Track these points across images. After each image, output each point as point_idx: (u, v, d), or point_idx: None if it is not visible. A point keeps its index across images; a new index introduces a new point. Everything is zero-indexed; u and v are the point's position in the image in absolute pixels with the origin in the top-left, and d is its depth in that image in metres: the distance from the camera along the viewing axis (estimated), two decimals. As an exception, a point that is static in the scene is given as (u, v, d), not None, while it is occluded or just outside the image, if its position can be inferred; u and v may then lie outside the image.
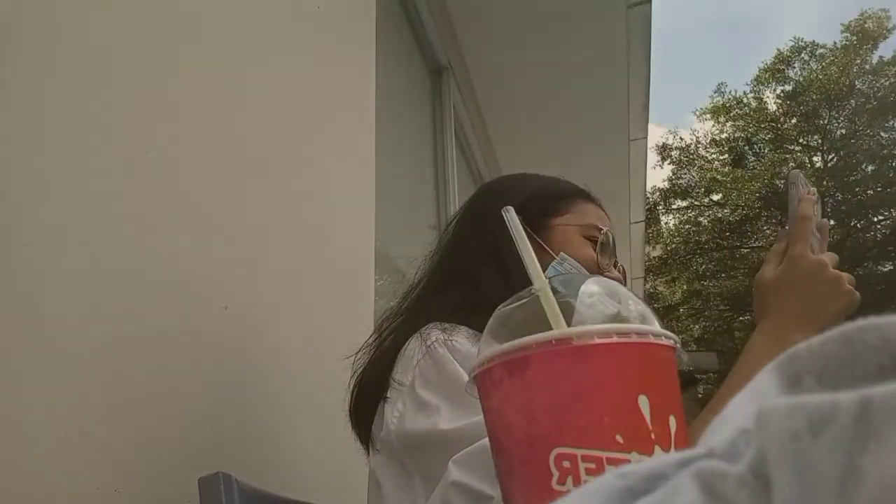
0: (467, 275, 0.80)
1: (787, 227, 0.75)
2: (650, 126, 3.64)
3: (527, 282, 0.72)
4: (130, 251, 0.73)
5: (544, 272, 0.73)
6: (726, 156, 16.73)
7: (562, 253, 0.80)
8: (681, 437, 0.36)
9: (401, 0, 2.34)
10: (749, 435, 0.17)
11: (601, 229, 0.84)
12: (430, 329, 0.72)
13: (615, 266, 0.85)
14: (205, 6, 0.95)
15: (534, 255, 0.42)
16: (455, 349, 0.68)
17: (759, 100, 16.49)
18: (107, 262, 0.69)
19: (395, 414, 0.68)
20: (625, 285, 0.79)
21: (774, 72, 16.18)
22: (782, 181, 15.07)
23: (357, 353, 0.80)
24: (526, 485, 0.36)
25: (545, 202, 0.84)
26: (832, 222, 15.25)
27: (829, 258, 0.73)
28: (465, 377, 0.62)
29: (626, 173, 3.92)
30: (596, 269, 0.81)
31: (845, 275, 0.72)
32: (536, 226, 0.82)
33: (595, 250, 0.82)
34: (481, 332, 0.68)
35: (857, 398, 0.14)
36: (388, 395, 0.71)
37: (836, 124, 15.51)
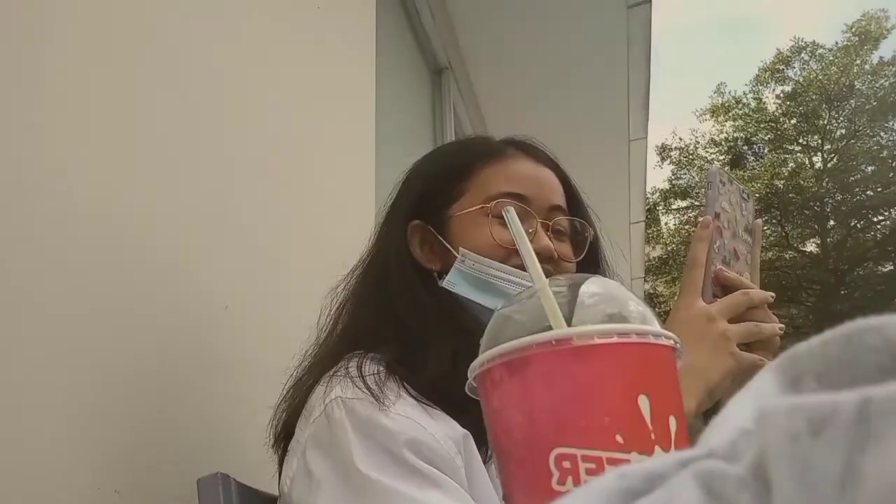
0: (364, 304, 0.71)
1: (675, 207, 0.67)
2: (650, 125, 3.64)
3: (420, 325, 0.64)
4: (130, 251, 0.73)
5: (445, 281, 0.68)
6: (726, 156, 16.73)
7: (461, 249, 0.68)
8: (681, 437, 0.36)
9: (401, 0, 2.34)
10: (749, 435, 0.17)
11: (502, 198, 0.68)
12: (336, 375, 0.62)
13: (549, 236, 0.70)
14: (205, 6, 0.95)
15: (534, 254, 0.42)
16: (354, 413, 0.58)
17: (759, 100, 16.50)
18: (106, 262, 0.69)
19: (289, 475, 0.61)
20: (555, 256, 0.67)
21: (774, 72, 16.19)
22: (782, 181, 15.09)
23: (288, 379, 0.73)
24: (526, 485, 0.36)
25: (438, 193, 0.72)
26: (832, 222, 15.27)
27: (725, 307, 0.62)
28: (355, 454, 0.55)
29: (626, 173, 3.92)
30: (500, 248, 0.67)
31: (740, 328, 0.61)
32: (440, 222, 0.71)
33: (507, 227, 0.69)
34: (393, 366, 0.61)
35: (857, 398, 0.14)
36: (290, 447, 0.63)
37: (836, 124, 15.52)
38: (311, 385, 0.66)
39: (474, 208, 0.70)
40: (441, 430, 0.58)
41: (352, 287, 0.75)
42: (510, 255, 0.67)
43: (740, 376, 0.59)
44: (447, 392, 0.59)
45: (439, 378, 0.60)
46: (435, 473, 0.55)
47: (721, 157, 16.74)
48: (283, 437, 0.69)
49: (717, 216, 0.64)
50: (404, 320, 0.67)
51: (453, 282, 0.68)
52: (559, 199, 0.74)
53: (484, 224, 0.68)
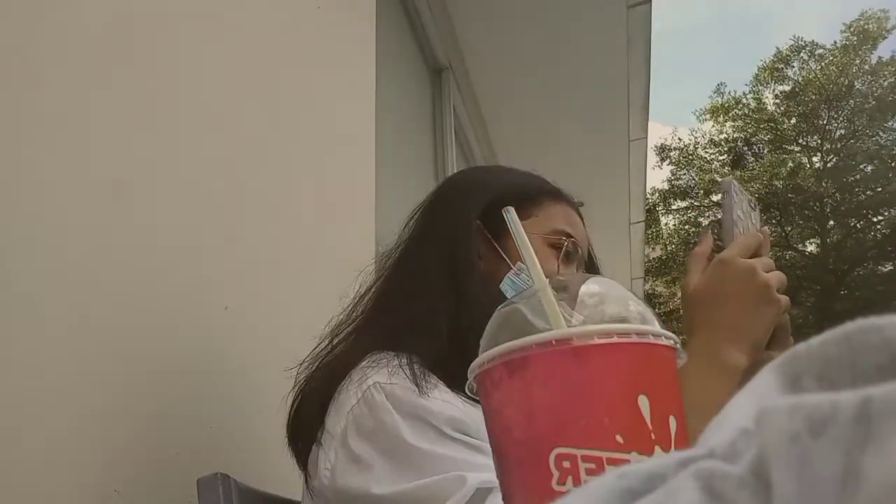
0: (418, 287, 0.71)
1: (708, 229, 0.71)
2: (651, 125, 3.64)
3: (481, 299, 0.65)
4: (130, 251, 0.73)
5: (500, 284, 0.67)
6: (725, 156, 16.73)
7: (518, 263, 0.70)
8: (681, 437, 0.36)
9: (401, 0, 2.34)
10: (749, 435, 0.17)
11: (569, 236, 0.75)
12: (370, 367, 0.63)
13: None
14: (205, 6, 0.95)
15: (534, 254, 0.42)
16: (393, 395, 0.60)
17: (759, 100, 16.50)
18: (107, 263, 0.69)
19: (328, 466, 0.61)
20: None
21: (773, 71, 16.19)
22: (782, 182, 15.09)
23: (301, 364, 0.73)
24: (526, 485, 0.36)
25: (507, 202, 0.76)
26: (832, 222, 15.27)
27: (761, 263, 0.66)
28: (404, 431, 0.57)
29: (626, 173, 3.92)
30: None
31: (775, 276, 0.66)
32: (497, 232, 0.74)
33: (558, 259, 0.74)
34: (430, 358, 0.63)
35: (857, 398, 0.14)
36: (322, 440, 0.63)
37: (836, 124, 15.53)
38: (337, 373, 0.66)
39: (537, 234, 0.74)
40: (476, 413, 0.59)
41: (398, 268, 0.76)
42: None
43: (781, 312, 0.65)
44: None
45: None
46: (481, 444, 0.56)
47: (721, 158, 16.75)
48: (303, 431, 0.68)
49: (734, 224, 0.68)
50: (473, 318, 0.66)
51: (504, 289, 0.70)
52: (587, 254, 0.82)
53: (545, 250, 0.73)
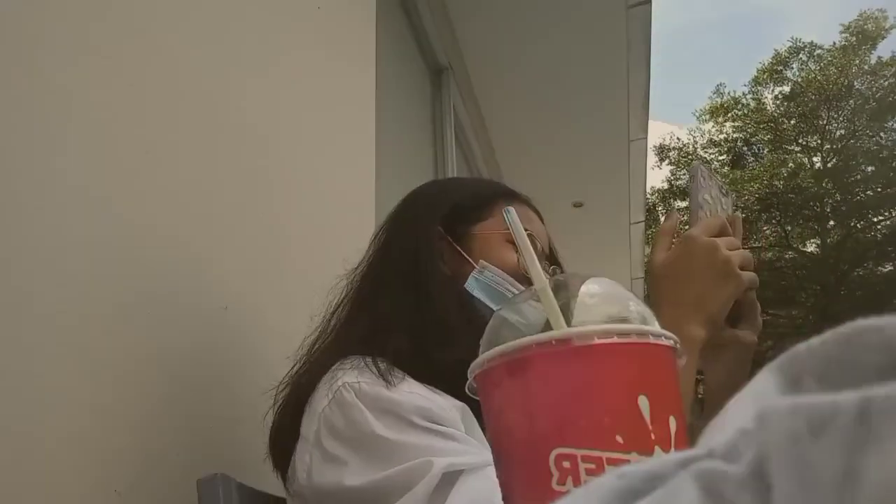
0: (385, 292, 0.75)
1: (675, 208, 0.73)
2: (651, 123, 3.64)
3: (444, 299, 0.71)
4: (130, 251, 0.73)
5: (466, 283, 0.75)
6: (725, 156, 16.73)
7: (481, 261, 0.76)
8: (681, 438, 0.36)
9: (401, 0, 2.34)
10: (749, 435, 0.17)
11: (527, 230, 0.80)
12: (339, 369, 0.67)
13: (548, 271, 0.80)
14: (205, 6, 0.95)
15: (534, 254, 0.42)
16: (362, 392, 0.63)
17: (758, 100, 16.49)
18: (106, 263, 0.69)
19: (304, 468, 0.64)
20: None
21: (773, 72, 16.19)
22: (782, 182, 15.09)
23: (279, 385, 0.75)
24: (526, 485, 0.36)
25: (466, 210, 0.80)
26: (832, 223, 15.27)
27: (724, 241, 0.68)
28: (374, 424, 0.60)
29: (626, 173, 3.92)
30: (520, 274, 0.75)
31: (738, 253, 0.67)
32: (458, 236, 0.79)
33: (518, 253, 0.77)
34: (397, 356, 0.66)
35: (857, 399, 0.14)
36: (297, 445, 0.66)
37: (836, 125, 15.52)
38: (310, 385, 0.68)
39: (497, 231, 0.78)
40: (443, 401, 0.64)
41: (366, 279, 0.80)
42: (523, 278, 0.75)
43: (740, 287, 0.66)
44: (457, 379, 0.62)
45: (457, 366, 0.64)
46: (448, 430, 0.60)
47: (720, 158, 16.74)
48: (281, 441, 0.70)
49: (700, 206, 0.71)
50: (435, 319, 0.72)
51: (469, 287, 0.75)
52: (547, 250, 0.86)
53: (505, 247, 0.78)
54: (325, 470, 0.62)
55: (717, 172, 16.22)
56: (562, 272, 0.82)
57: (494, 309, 0.70)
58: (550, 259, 0.85)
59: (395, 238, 0.81)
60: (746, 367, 0.70)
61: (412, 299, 0.73)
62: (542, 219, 0.87)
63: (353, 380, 0.64)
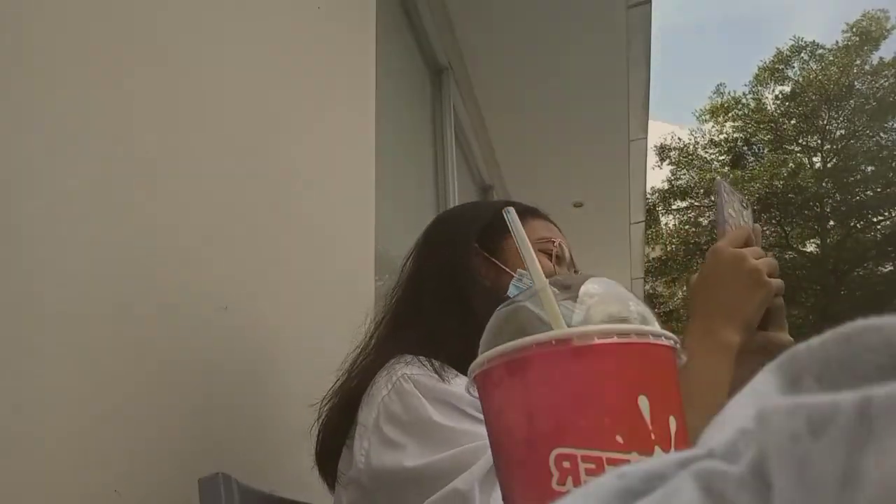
0: (428, 309, 0.80)
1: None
2: (651, 123, 3.64)
3: (486, 310, 0.76)
4: (130, 251, 0.73)
5: (507, 292, 0.79)
6: (725, 156, 16.72)
7: (518, 269, 0.82)
8: (681, 438, 0.36)
9: (401, 0, 2.34)
10: (749, 435, 0.17)
11: (554, 241, 0.86)
12: (395, 364, 0.71)
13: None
14: (205, 6, 0.95)
15: (534, 254, 0.42)
16: (420, 383, 0.68)
17: (758, 100, 16.49)
18: (106, 263, 0.69)
19: (362, 452, 0.68)
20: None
21: (773, 72, 16.18)
22: (782, 182, 15.09)
23: (324, 399, 0.79)
24: (526, 485, 0.36)
25: (497, 226, 0.85)
26: (832, 222, 15.27)
27: (751, 251, 0.73)
28: (431, 412, 0.65)
29: (626, 173, 3.92)
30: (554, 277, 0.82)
31: (765, 262, 0.71)
32: (493, 250, 0.85)
33: (551, 261, 0.85)
34: (448, 364, 0.70)
35: (857, 398, 0.14)
36: (354, 434, 0.70)
37: (836, 125, 15.52)
38: (363, 388, 0.73)
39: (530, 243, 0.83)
40: None
41: (404, 299, 0.85)
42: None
43: (770, 294, 0.70)
44: None
45: None
46: None
47: (721, 158, 16.74)
48: (340, 434, 0.74)
49: (725, 221, 0.74)
50: (479, 328, 0.75)
51: (511, 294, 0.80)
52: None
53: (539, 256, 0.82)
54: (384, 453, 0.66)
55: (717, 172, 16.27)
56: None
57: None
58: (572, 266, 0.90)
59: (430, 260, 0.86)
60: None
61: (456, 313, 0.77)
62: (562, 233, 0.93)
63: (411, 371, 0.69)
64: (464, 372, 0.69)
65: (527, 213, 0.90)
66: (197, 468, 0.71)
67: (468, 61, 2.97)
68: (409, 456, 0.63)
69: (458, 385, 0.68)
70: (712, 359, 0.68)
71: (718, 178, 0.80)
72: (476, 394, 0.39)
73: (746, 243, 0.73)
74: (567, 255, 0.86)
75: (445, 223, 0.91)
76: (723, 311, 0.70)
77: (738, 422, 0.17)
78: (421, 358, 0.71)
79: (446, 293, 0.80)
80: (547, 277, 0.80)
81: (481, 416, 0.63)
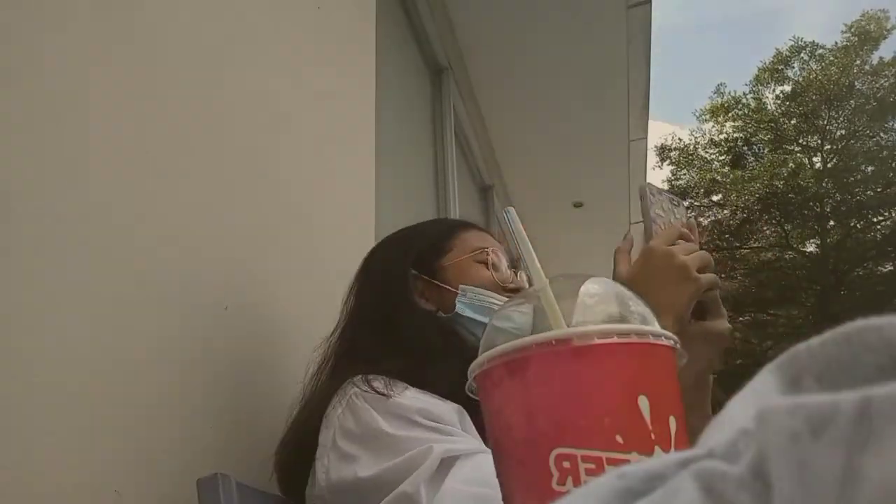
0: (371, 341, 0.83)
1: (630, 231, 0.78)
2: (651, 123, 3.64)
3: (427, 333, 0.81)
4: (130, 251, 0.73)
5: (453, 310, 0.83)
6: (725, 156, 16.72)
7: (461, 286, 0.86)
8: (681, 438, 0.36)
9: (401, 0, 2.34)
10: (749, 435, 0.17)
11: (487, 249, 0.89)
12: (347, 386, 0.75)
13: (516, 275, 0.91)
14: (205, 6, 0.95)
15: (534, 254, 0.42)
16: (370, 398, 0.71)
17: (759, 100, 16.48)
18: (106, 263, 0.69)
19: (323, 470, 0.71)
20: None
21: (773, 72, 16.17)
22: (782, 182, 15.09)
23: (288, 430, 0.82)
24: (526, 485, 0.36)
25: (431, 250, 0.90)
26: (832, 223, 15.27)
27: (680, 248, 0.74)
28: (382, 423, 0.68)
29: (626, 173, 3.92)
30: (498, 286, 0.86)
31: (695, 257, 0.72)
32: (433, 273, 0.88)
33: (488, 269, 0.88)
34: (394, 376, 0.73)
35: (857, 399, 0.14)
36: (316, 456, 0.73)
37: (836, 125, 15.51)
38: (320, 415, 0.75)
39: (465, 257, 0.89)
40: (442, 404, 0.72)
41: (345, 334, 0.88)
42: (499, 288, 0.86)
43: (700, 289, 0.71)
44: (450, 396, 0.72)
45: (448, 385, 0.73)
46: (447, 427, 0.68)
47: (721, 158, 16.73)
48: (301, 461, 0.76)
49: (653, 221, 0.77)
50: (415, 348, 0.80)
51: (459, 311, 0.85)
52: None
53: (475, 267, 0.88)
54: (342, 467, 0.69)
55: (717, 172, 16.25)
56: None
57: (485, 322, 0.81)
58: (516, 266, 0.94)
59: (369, 291, 0.89)
60: (720, 354, 0.75)
61: (395, 337, 0.82)
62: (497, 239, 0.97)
63: (362, 389, 0.73)
64: (409, 383, 0.74)
65: (457, 226, 0.94)
66: (197, 468, 0.71)
67: (468, 61, 2.97)
68: (362, 466, 0.67)
69: (408, 397, 0.71)
70: None
71: (641, 183, 0.83)
72: (476, 395, 0.39)
73: (677, 240, 0.75)
74: (503, 260, 0.90)
75: (380, 253, 0.94)
76: (655, 308, 0.72)
77: (738, 422, 0.17)
78: (369, 376, 0.74)
79: (383, 319, 0.84)
80: (489, 287, 0.85)
81: (431, 424, 0.67)
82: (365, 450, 0.68)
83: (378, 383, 0.73)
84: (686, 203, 0.87)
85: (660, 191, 0.81)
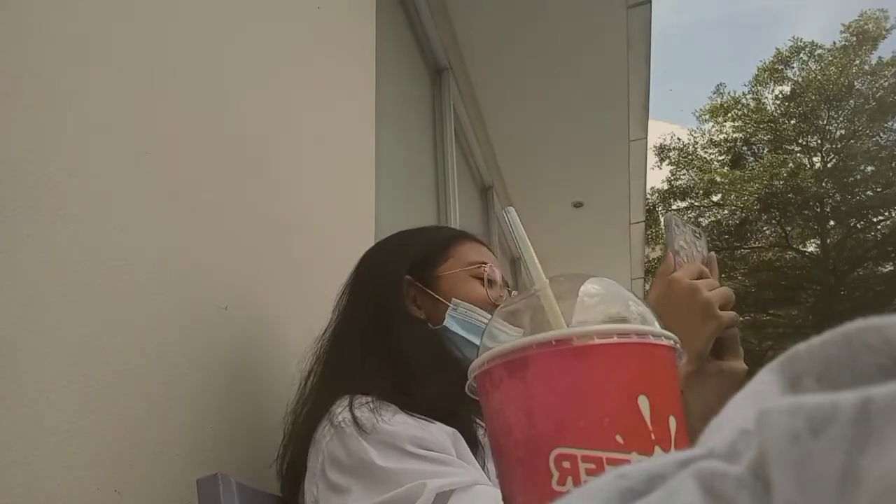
0: (359, 346, 0.82)
1: (669, 255, 0.76)
2: (651, 123, 3.63)
3: (418, 341, 0.81)
4: (130, 251, 0.73)
5: (442, 322, 0.82)
6: (725, 156, 16.72)
7: (453, 299, 0.85)
8: (681, 438, 0.36)
9: (401, 0, 2.34)
10: (749, 435, 0.17)
11: (484, 265, 0.88)
12: (335, 408, 0.73)
13: (510, 294, 0.90)
14: (206, 6, 0.95)
15: (534, 254, 0.42)
16: (360, 425, 0.70)
17: (758, 100, 16.47)
18: (106, 263, 0.69)
19: (312, 498, 0.70)
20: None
21: (773, 72, 16.17)
22: (781, 182, 15.09)
23: (281, 444, 0.82)
24: (526, 485, 0.36)
25: (428, 257, 0.89)
26: (832, 223, 15.27)
27: (704, 283, 0.73)
28: (373, 454, 0.66)
29: (626, 173, 3.92)
30: (491, 304, 0.85)
31: (718, 293, 0.72)
32: (427, 280, 0.87)
33: (483, 285, 0.87)
34: (383, 399, 0.72)
35: (857, 399, 0.14)
36: (306, 479, 0.72)
37: (836, 125, 15.51)
38: (309, 432, 0.75)
39: (460, 269, 0.88)
40: (434, 429, 0.70)
41: (335, 335, 0.87)
42: (491, 306, 0.85)
43: (720, 327, 0.70)
44: (438, 410, 0.72)
45: (436, 400, 0.72)
46: (440, 455, 0.67)
47: (720, 158, 16.72)
48: (292, 479, 0.77)
49: (677, 252, 0.77)
50: (403, 358, 0.79)
51: (448, 324, 0.84)
52: None
53: (470, 282, 0.87)
54: (331, 498, 0.67)
55: (717, 172, 16.25)
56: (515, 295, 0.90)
57: (470, 340, 0.82)
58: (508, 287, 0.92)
59: (362, 292, 0.88)
60: (733, 393, 0.74)
61: (384, 343, 0.80)
62: (494, 254, 0.95)
63: (349, 415, 0.71)
64: (398, 404, 0.73)
65: (456, 237, 0.92)
66: (197, 468, 0.71)
67: (468, 61, 2.97)
68: (354, 499, 0.65)
69: (397, 423, 0.69)
70: None
71: (668, 213, 0.83)
72: (476, 395, 0.39)
73: (700, 276, 0.75)
74: (498, 277, 0.89)
75: (376, 259, 0.92)
76: None
77: (739, 422, 0.17)
78: (358, 398, 0.73)
79: (374, 325, 0.82)
80: (481, 303, 0.84)
81: (423, 453, 0.66)
82: (356, 482, 0.66)
83: (366, 410, 0.71)
84: (707, 237, 0.89)
85: (684, 222, 0.81)
